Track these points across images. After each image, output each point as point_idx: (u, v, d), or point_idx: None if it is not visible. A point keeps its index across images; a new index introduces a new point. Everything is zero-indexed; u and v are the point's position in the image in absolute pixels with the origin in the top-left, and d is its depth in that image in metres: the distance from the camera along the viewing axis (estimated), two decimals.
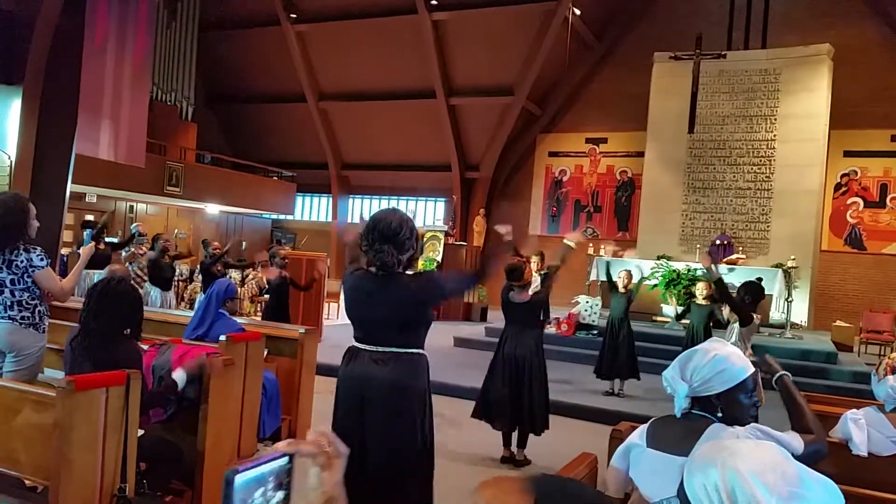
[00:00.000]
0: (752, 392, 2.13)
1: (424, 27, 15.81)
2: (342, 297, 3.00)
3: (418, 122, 17.29)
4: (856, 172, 14.49)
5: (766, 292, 10.89)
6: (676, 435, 2.01)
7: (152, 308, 6.65)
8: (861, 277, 14.01)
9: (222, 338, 3.75)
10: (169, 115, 17.04)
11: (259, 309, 9.27)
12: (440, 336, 11.13)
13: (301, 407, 4.62)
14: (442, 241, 15.04)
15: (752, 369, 2.17)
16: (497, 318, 5.69)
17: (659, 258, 12.72)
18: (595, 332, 10.58)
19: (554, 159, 17.38)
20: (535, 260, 7.69)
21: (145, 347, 3.69)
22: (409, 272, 2.89)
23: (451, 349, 10.65)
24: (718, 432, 1.94)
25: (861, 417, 3.03)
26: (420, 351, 2.89)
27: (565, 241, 5.04)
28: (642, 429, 2.17)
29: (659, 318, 11.52)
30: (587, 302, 11.13)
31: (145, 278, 8.77)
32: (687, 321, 7.43)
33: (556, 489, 0.75)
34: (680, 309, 7.95)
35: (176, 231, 13.00)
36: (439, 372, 8.42)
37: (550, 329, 10.57)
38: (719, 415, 2.09)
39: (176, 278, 10.60)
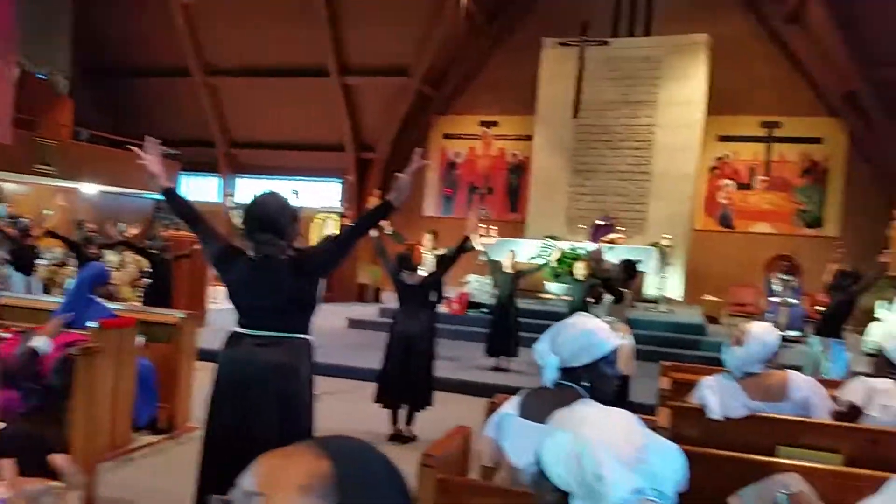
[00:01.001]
0: (614, 363, 2.25)
1: (318, 3, 15.44)
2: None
3: (312, 101, 16.91)
4: (728, 156, 15.42)
5: (641, 269, 11.55)
6: (545, 404, 2.09)
7: (14, 294, 6.20)
8: (729, 255, 14.99)
9: (91, 324, 3.56)
10: (41, 89, 15.82)
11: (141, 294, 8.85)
12: (332, 317, 11.01)
13: (180, 395, 4.46)
14: (337, 223, 14.86)
15: (617, 342, 2.29)
16: (392, 299, 5.74)
17: (546, 238, 13.10)
18: (485, 310, 10.80)
19: (448, 141, 17.50)
20: (428, 238, 7.75)
21: (6, 335, 3.45)
22: (293, 251, 2.84)
23: (344, 330, 10.59)
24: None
25: (715, 383, 3.25)
26: (306, 336, 2.86)
27: (474, 243, 5.11)
28: (515, 399, 2.24)
29: (544, 296, 11.88)
30: (477, 281, 11.34)
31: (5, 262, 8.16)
32: (570, 298, 7.72)
33: (349, 447, 0.75)
34: (564, 288, 8.25)
35: (43, 210, 12.13)
36: (332, 353, 8.38)
37: (443, 308, 10.71)
38: (586, 384, 2.19)
39: (49, 261, 9.93)
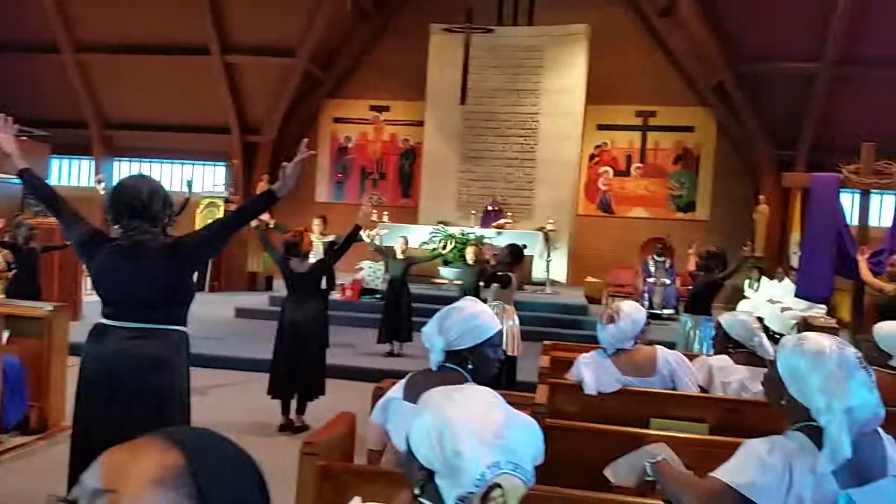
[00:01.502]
0: (497, 346, 2.33)
1: None
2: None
3: (192, 80, 16.14)
4: (607, 144, 16.11)
5: (528, 254, 11.91)
6: (430, 387, 2.14)
7: None
8: (609, 238, 15.73)
9: None
10: None
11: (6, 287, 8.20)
12: (219, 307, 10.67)
13: (51, 392, 4.20)
14: (221, 208, 14.33)
15: (499, 326, 2.37)
16: (283, 288, 5.63)
17: (438, 224, 13.24)
18: (379, 296, 10.81)
19: (339, 125, 17.25)
20: (316, 223, 7.63)
21: None
22: (167, 238, 2.72)
23: (232, 321, 10.27)
24: None
25: (590, 360, 3.43)
26: (181, 328, 2.75)
27: (363, 235, 5.07)
28: (401, 383, 2.28)
29: (437, 280, 12.02)
30: (371, 267, 11.32)
31: None
32: (461, 282, 7.87)
33: (197, 436, 0.74)
34: (456, 272, 8.40)
35: None
36: (219, 345, 8.15)
37: (336, 295, 10.61)
38: (470, 367, 2.26)
39: None
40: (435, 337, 2.20)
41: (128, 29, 15.72)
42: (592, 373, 3.33)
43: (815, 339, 1.74)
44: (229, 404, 6.14)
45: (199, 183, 17.25)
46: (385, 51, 16.46)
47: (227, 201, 14.55)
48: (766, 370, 3.23)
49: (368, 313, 9.97)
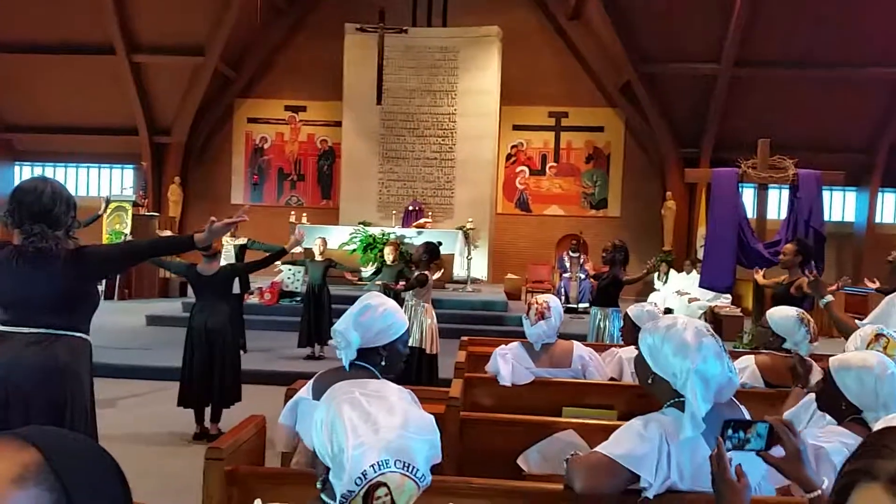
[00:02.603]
0: (406, 342, 2.33)
1: None
2: None
3: (97, 81, 15.40)
4: (522, 144, 16.40)
5: (448, 252, 11.97)
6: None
7: None
8: (528, 236, 16.03)
9: None
10: None
11: None
12: (130, 315, 10.24)
13: None
14: (129, 212, 13.73)
15: (408, 323, 2.37)
16: None
17: (359, 224, 13.12)
18: (298, 298, 10.62)
19: (253, 125, 16.84)
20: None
21: None
22: (71, 245, 2.60)
23: (142, 329, 9.86)
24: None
25: (508, 352, 3.47)
26: (83, 336, 2.63)
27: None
28: (309, 384, 2.24)
29: (358, 282, 11.90)
30: (290, 269, 11.10)
31: None
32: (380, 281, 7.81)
33: (50, 433, 0.72)
34: (373, 268, 8.35)
35: None
36: (129, 354, 7.82)
37: (254, 299, 10.37)
38: (383, 364, 2.25)
39: None
40: (351, 334, 2.18)
41: (27, 27, 14.86)
42: (509, 365, 3.38)
43: (668, 317, 1.88)
44: (140, 415, 5.90)
45: (107, 186, 16.51)
46: (299, 50, 16.19)
47: (135, 205, 13.95)
48: None
49: (288, 316, 9.78)
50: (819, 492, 1.53)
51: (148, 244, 2.90)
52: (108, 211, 13.60)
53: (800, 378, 2.86)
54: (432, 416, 1.24)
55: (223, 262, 5.48)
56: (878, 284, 6.20)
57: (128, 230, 13.49)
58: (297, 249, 8.59)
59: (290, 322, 9.00)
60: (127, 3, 14.68)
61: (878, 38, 13.70)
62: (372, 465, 1.09)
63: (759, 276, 5.68)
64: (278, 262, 11.11)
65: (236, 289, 5.45)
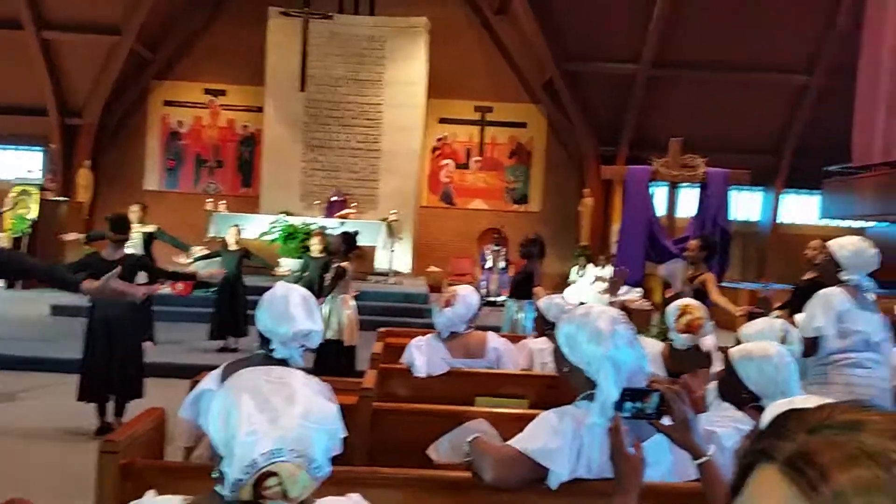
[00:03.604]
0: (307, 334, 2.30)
1: None
2: None
3: (3, 57, 14.48)
4: (448, 137, 16.45)
5: (371, 244, 11.91)
6: None
7: None
8: (451, 229, 16.10)
9: None
10: None
11: None
12: (33, 305, 9.72)
13: None
14: (36, 196, 13.01)
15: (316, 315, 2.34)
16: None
17: (280, 214, 12.84)
18: (213, 289, 10.31)
19: (170, 109, 16.20)
20: (134, 210, 7.12)
21: None
22: None
23: (46, 319, 9.37)
24: None
25: (423, 343, 3.49)
26: None
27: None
28: (216, 373, 2.18)
29: (278, 272, 11.67)
30: (205, 259, 10.73)
31: None
32: (305, 274, 7.68)
33: None
34: (299, 263, 8.20)
35: None
36: (30, 346, 7.43)
37: (166, 289, 10.00)
38: (300, 355, 2.22)
39: None
40: (283, 326, 2.13)
41: None
42: (424, 356, 3.40)
43: (584, 307, 1.93)
44: (41, 409, 5.62)
45: (13, 169, 15.54)
46: (220, 32, 15.66)
47: (42, 189, 13.23)
48: None
49: (202, 308, 9.47)
50: (706, 458, 1.60)
51: (45, 268, 2.78)
52: (13, 195, 12.85)
53: (701, 362, 2.98)
54: (336, 407, 1.22)
55: (129, 251, 5.24)
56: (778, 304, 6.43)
57: (33, 215, 12.79)
58: (202, 261, 8.41)
59: (205, 313, 8.72)
60: None
61: (786, 46, 14.48)
62: (263, 454, 1.06)
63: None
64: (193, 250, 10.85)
65: (143, 278, 5.22)
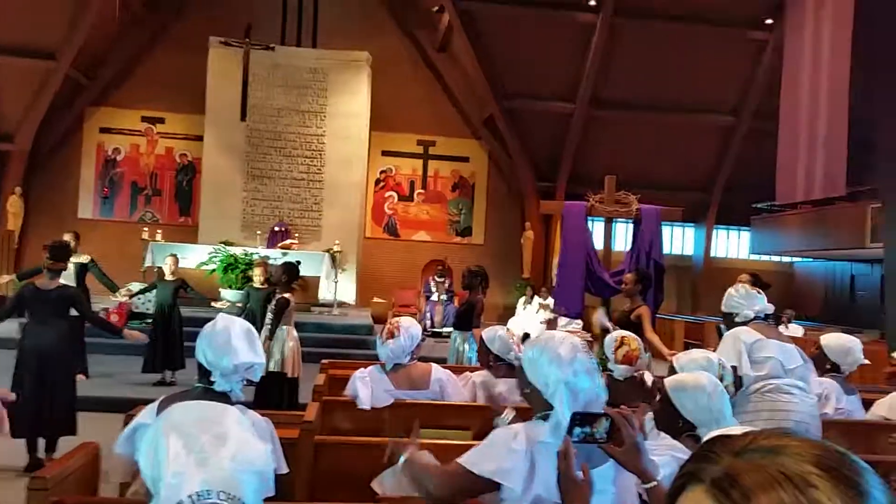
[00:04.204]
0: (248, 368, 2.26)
1: None
2: None
3: None
4: (391, 170, 16.53)
5: (314, 274, 11.78)
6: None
7: None
8: (395, 260, 16.10)
9: None
10: None
11: None
12: None
13: None
14: None
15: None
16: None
17: (220, 244, 12.57)
18: (150, 321, 9.98)
19: (106, 136, 15.78)
20: (66, 238, 6.89)
21: None
22: None
23: None
24: None
25: (367, 375, 3.47)
26: None
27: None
28: (151, 407, 2.11)
29: (217, 304, 11.42)
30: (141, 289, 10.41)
31: None
32: (243, 305, 7.52)
33: None
34: (240, 294, 8.03)
35: None
36: None
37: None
38: (239, 389, 2.17)
39: None
40: (225, 358, 2.08)
41: None
42: (368, 387, 3.37)
43: (549, 333, 1.97)
44: None
45: None
46: (160, 60, 15.42)
47: None
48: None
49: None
50: (655, 483, 1.64)
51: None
52: None
53: (646, 394, 3.04)
54: (269, 447, 1.20)
55: (62, 281, 5.05)
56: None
57: None
58: (140, 295, 8.20)
59: (139, 346, 8.43)
60: None
61: (715, 88, 15.20)
62: (190, 496, 1.03)
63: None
64: (132, 286, 10.53)
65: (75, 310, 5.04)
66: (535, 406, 1.88)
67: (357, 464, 2.77)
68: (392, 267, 15.98)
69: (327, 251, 12.85)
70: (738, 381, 3.52)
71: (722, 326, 4.04)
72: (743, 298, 3.77)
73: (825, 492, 0.59)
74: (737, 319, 3.73)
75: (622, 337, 3.29)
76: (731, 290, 3.88)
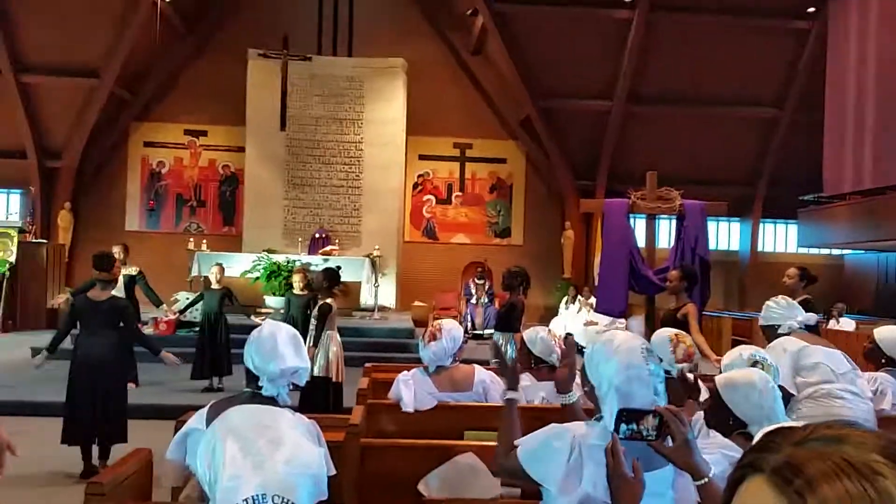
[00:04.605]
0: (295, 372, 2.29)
1: None
2: None
3: None
4: (429, 174, 16.59)
5: (355, 280, 11.88)
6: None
7: None
8: (435, 263, 16.13)
9: None
10: None
11: None
12: (14, 348, 9.60)
13: None
14: (15, 239, 12.85)
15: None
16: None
17: (263, 252, 12.76)
18: (197, 329, 10.19)
19: (150, 150, 16.20)
20: (116, 251, 7.08)
21: None
22: None
23: (28, 362, 9.17)
24: None
25: (410, 378, 3.47)
26: None
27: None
28: (202, 412, 2.15)
29: (262, 311, 11.61)
30: (188, 298, 10.64)
31: None
32: (285, 311, 7.63)
33: None
34: (282, 301, 8.15)
35: None
36: (13, 390, 7.26)
37: (149, 329, 9.88)
38: (287, 394, 2.20)
39: None
40: (272, 364, 2.10)
41: None
42: (411, 390, 3.37)
43: (612, 332, 1.91)
44: (25, 454, 5.43)
45: None
46: (200, 73, 15.77)
47: (21, 231, 13.09)
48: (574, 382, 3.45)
49: (185, 347, 9.32)
50: (706, 479, 1.60)
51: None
52: None
53: (690, 391, 2.97)
54: (322, 451, 1.21)
55: (113, 293, 5.18)
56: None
57: (13, 258, 12.63)
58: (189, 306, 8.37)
59: (188, 353, 8.59)
60: (14, 21, 13.92)
61: (756, 80, 14.86)
62: (245, 499, 1.05)
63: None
64: (179, 295, 10.77)
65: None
66: (594, 405, 1.87)
67: (403, 466, 2.78)
68: (431, 270, 16.03)
69: (367, 256, 12.96)
70: (786, 398, 3.43)
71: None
72: (783, 309, 3.69)
73: (893, 480, 0.56)
74: (780, 331, 3.64)
75: (675, 334, 3.20)
76: (769, 303, 3.78)
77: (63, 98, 14.77)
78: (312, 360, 5.64)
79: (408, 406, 3.33)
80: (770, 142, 15.77)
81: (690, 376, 3.01)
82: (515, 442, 1.86)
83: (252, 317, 7.93)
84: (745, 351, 2.95)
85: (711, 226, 13.92)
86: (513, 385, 2.20)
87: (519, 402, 2.50)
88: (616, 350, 1.80)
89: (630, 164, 14.63)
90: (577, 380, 2.10)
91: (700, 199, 7.80)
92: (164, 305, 8.69)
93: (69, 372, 4.98)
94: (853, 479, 0.57)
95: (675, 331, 3.29)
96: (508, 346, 5.88)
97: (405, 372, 3.54)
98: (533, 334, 3.68)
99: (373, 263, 12.68)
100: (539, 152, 16.06)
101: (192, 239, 13.37)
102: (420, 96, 15.28)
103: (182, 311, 8.54)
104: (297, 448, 1.14)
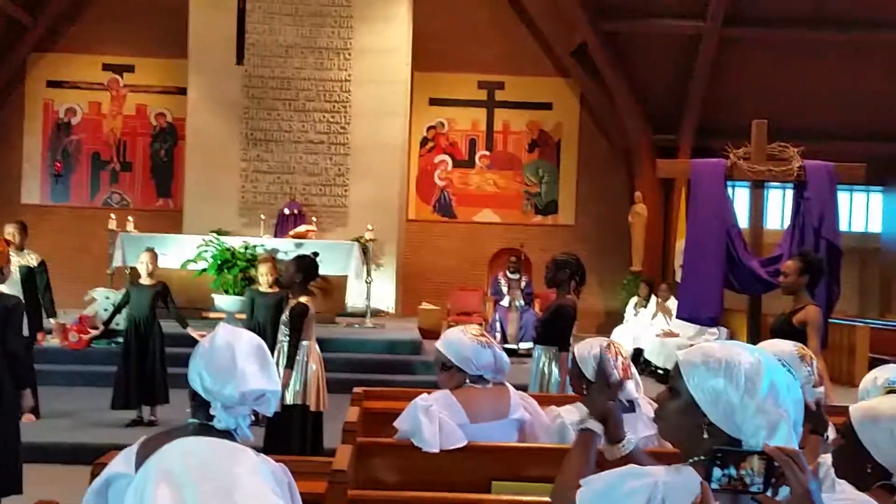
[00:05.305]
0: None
1: None
2: None
3: None
4: (443, 125, 16.60)
5: (340, 273, 11.91)
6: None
7: None
8: (451, 251, 16.16)
9: None
10: None
11: None
12: None
13: None
14: None
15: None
16: None
17: (212, 233, 12.81)
18: (121, 339, 10.29)
19: (56, 92, 16.33)
20: (9, 232, 7.16)
21: None
22: None
23: None
24: None
25: (432, 404, 3.45)
26: None
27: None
28: (129, 451, 2.17)
29: (212, 315, 11.69)
30: (108, 298, 10.78)
31: None
32: (244, 316, 7.67)
33: None
34: (241, 302, 8.18)
35: None
36: None
37: (53, 341, 10.00)
38: (247, 425, 2.22)
39: None
40: (229, 385, 2.12)
41: None
42: (435, 423, 3.35)
43: (718, 348, 1.82)
44: None
45: None
46: None
47: None
48: (637, 417, 3.44)
49: (104, 365, 9.48)
50: None
51: None
52: None
53: (817, 423, 2.94)
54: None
55: (4, 289, 5.23)
56: None
57: None
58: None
59: (107, 373, 8.73)
60: None
61: None
62: None
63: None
64: (96, 293, 10.86)
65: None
66: (692, 448, 1.84)
67: None
68: (446, 260, 16.07)
69: (357, 240, 13.01)
70: None
71: None
72: None
73: None
74: None
75: (801, 348, 3.17)
76: None
77: None
78: (285, 382, 5.68)
79: (431, 445, 3.31)
80: None
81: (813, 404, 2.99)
82: (581, 481, 1.89)
83: (189, 329, 7.81)
84: (883, 374, 2.92)
85: (843, 197, 13.80)
86: (600, 412, 2.29)
87: (600, 441, 2.52)
88: (737, 368, 1.74)
89: (728, 112, 14.54)
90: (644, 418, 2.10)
91: (828, 159, 7.74)
92: (58, 313, 8.75)
93: None
94: None
95: (797, 344, 3.27)
96: (554, 365, 5.89)
97: (425, 395, 3.54)
98: (587, 349, 3.66)
99: (364, 250, 12.73)
100: (599, 94, 16.00)
101: (113, 215, 13.46)
102: (433, 17, 15.27)
103: (107, 323, 8.59)
104: (256, 501, 1.14)
